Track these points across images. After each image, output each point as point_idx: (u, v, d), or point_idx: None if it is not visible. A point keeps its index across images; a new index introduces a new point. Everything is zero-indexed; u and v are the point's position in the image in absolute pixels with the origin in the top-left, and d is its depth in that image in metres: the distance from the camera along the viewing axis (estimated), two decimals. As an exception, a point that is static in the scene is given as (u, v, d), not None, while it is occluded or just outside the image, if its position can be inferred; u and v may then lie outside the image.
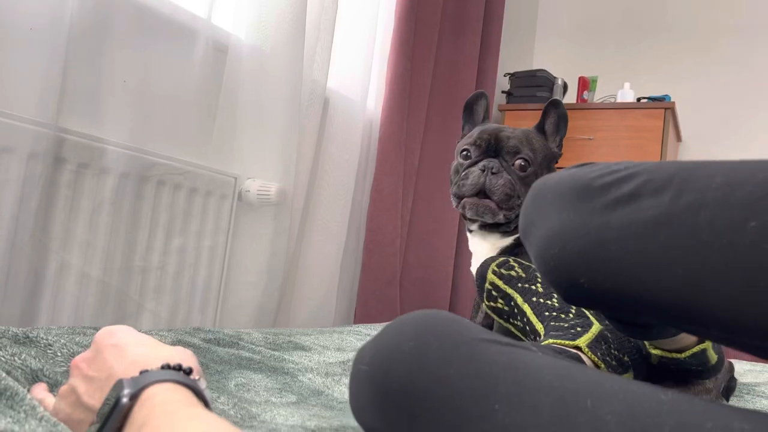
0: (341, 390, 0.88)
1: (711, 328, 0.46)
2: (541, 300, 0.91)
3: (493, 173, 1.12)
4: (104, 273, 1.18)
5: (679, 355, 0.79)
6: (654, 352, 0.81)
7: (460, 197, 1.16)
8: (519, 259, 1.01)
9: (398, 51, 2.06)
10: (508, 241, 1.18)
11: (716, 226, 0.43)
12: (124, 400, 0.41)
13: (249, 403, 0.72)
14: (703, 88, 3.15)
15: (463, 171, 1.16)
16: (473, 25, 2.48)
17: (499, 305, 0.96)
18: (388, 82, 2.07)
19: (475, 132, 1.19)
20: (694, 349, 0.78)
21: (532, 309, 0.91)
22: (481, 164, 1.14)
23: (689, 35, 3.24)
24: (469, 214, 1.16)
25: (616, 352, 0.82)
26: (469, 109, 1.28)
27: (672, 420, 0.37)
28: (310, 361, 1.01)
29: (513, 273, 0.97)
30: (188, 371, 0.46)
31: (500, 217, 1.13)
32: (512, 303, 0.94)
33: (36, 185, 1.04)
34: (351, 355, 1.07)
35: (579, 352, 0.79)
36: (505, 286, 0.96)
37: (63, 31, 1.07)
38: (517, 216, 1.11)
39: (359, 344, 1.24)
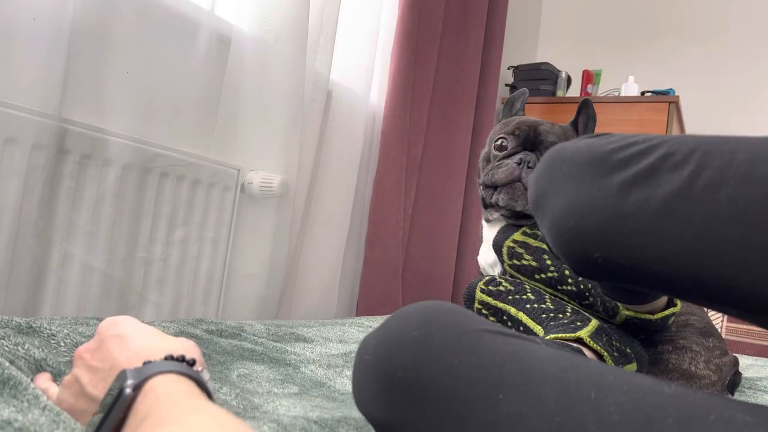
0: (343, 381, 0.89)
1: (728, 304, 0.46)
2: (535, 305, 0.92)
3: (529, 167, 1.06)
4: (107, 264, 1.18)
5: (651, 317, 0.82)
6: (626, 313, 0.84)
7: (490, 186, 1.10)
8: (505, 277, 1.01)
9: (401, 44, 2.05)
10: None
11: (737, 203, 0.43)
12: (128, 390, 0.41)
13: (251, 394, 0.73)
14: (707, 82, 3.14)
15: (497, 161, 1.10)
16: (477, 18, 2.47)
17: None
18: (392, 75, 2.06)
19: (513, 122, 1.13)
20: (666, 312, 0.82)
21: (527, 315, 0.91)
22: (517, 157, 1.08)
23: (694, 29, 3.22)
24: (502, 202, 1.08)
25: (617, 344, 0.82)
26: (510, 105, 1.25)
27: (675, 412, 0.37)
28: (312, 353, 1.01)
29: (501, 288, 0.97)
30: (191, 362, 0.46)
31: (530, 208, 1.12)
32: (504, 317, 0.94)
33: (39, 176, 1.04)
34: (353, 347, 1.07)
35: (581, 346, 0.80)
36: (495, 302, 0.96)
37: (66, 22, 1.07)
38: None
39: (361, 336, 1.24)
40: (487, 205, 1.16)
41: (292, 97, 1.54)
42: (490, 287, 0.98)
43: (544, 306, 0.91)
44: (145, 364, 0.44)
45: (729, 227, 0.43)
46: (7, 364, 0.54)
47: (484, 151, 1.17)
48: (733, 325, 2.31)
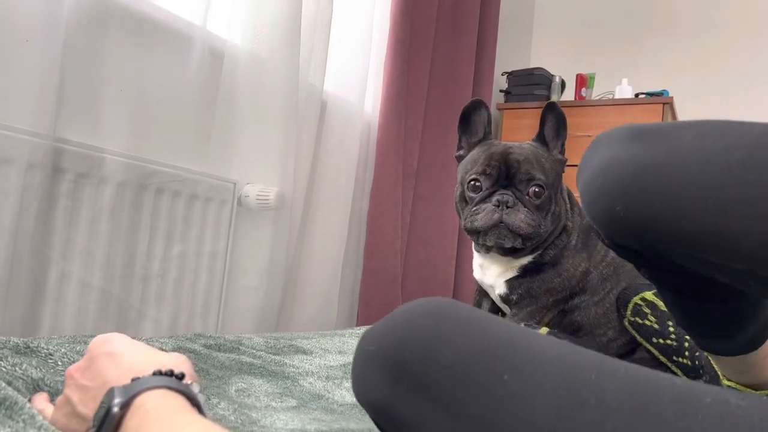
0: (342, 393, 0.89)
1: (737, 261, 0.49)
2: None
3: (508, 207, 1.05)
4: (105, 281, 1.19)
5: (754, 392, 0.75)
6: (728, 383, 0.78)
7: (474, 233, 1.09)
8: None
9: (394, 52, 2.06)
10: (527, 260, 1.12)
11: (747, 165, 0.48)
12: (115, 409, 0.41)
13: (249, 409, 0.73)
14: (701, 83, 3.15)
15: (474, 206, 1.08)
16: (469, 24, 2.48)
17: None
18: (385, 84, 2.07)
19: (482, 156, 1.09)
20: None
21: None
22: (494, 199, 1.06)
23: (687, 30, 3.24)
24: (490, 242, 1.08)
25: None
26: (466, 119, 1.17)
27: (672, 393, 0.39)
28: (310, 365, 1.01)
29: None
30: (180, 376, 0.46)
31: (518, 243, 1.07)
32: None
33: (35, 195, 1.04)
34: (352, 358, 1.07)
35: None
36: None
37: (58, 41, 1.08)
38: (537, 243, 1.09)
39: (361, 347, 1.24)
40: (475, 241, 1.14)
41: (286, 109, 1.54)
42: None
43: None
44: (133, 380, 0.45)
45: (738, 186, 0.48)
46: (3, 384, 0.55)
47: (458, 191, 1.14)
48: None
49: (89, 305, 1.16)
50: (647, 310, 0.98)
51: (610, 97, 2.94)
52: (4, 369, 0.65)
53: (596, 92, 3.09)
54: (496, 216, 1.05)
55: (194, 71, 1.41)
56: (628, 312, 1.00)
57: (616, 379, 0.41)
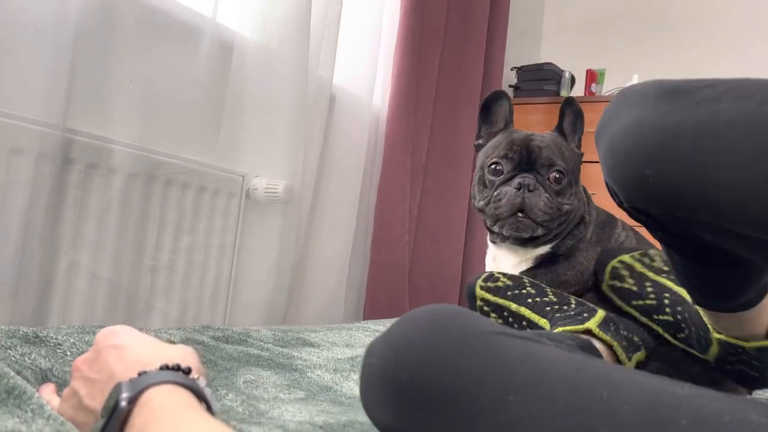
0: (350, 386, 0.89)
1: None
2: (537, 299, 0.90)
3: (530, 191, 1.04)
4: (114, 272, 1.19)
5: (744, 343, 0.75)
6: (718, 336, 0.78)
7: (496, 219, 1.08)
8: (503, 272, 0.99)
9: (404, 46, 2.06)
10: (545, 249, 1.11)
11: None
12: (123, 403, 0.41)
13: (257, 400, 0.73)
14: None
15: (495, 190, 1.07)
16: (479, 19, 2.47)
17: (493, 319, 0.95)
18: (394, 78, 2.06)
19: (503, 142, 1.09)
20: (763, 342, 0.74)
21: (530, 309, 0.90)
22: (516, 181, 1.05)
23: (698, 27, 3.21)
24: (507, 232, 1.08)
25: (625, 333, 0.81)
26: (487, 109, 1.18)
27: (689, 413, 0.37)
28: (318, 358, 1.01)
29: (500, 284, 0.96)
30: (187, 371, 0.46)
31: (539, 232, 1.07)
32: (505, 313, 0.93)
33: (45, 186, 1.05)
34: (360, 351, 1.07)
35: (590, 337, 0.79)
36: (495, 298, 0.95)
37: (68, 33, 1.08)
38: (553, 228, 1.09)
39: (368, 340, 1.24)
40: (491, 231, 1.14)
41: (295, 102, 1.54)
42: (488, 283, 0.97)
43: (546, 299, 0.89)
44: (140, 374, 0.44)
45: None
46: (12, 373, 0.55)
47: (477, 176, 1.14)
48: None
49: (98, 296, 1.16)
50: (625, 272, 0.97)
51: (621, 92, 2.92)
52: (13, 358, 0.65)
53: (606, 88, 3.06)
54: (518, 200, 1.04)
55: (204, 63, 1.41)
56: (606, 275, 0.99)
57: (630, 397, 0.39)
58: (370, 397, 0.52)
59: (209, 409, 0.45)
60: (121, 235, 1.20)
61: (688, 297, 0.85)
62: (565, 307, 0.86)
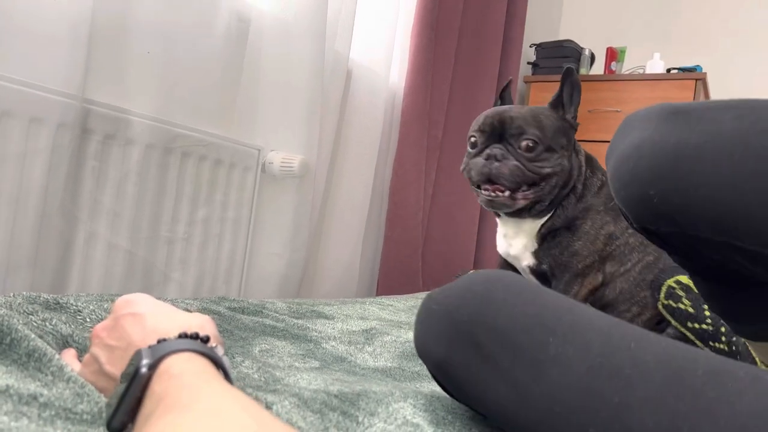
0: (364, 357, 0.89)
1: None
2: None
3: (497, 160, 1.09)
4: (131, 243, 1.20)
5: None
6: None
7: (476, 186, 1.15)
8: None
9: (422, 21, 2.03)
10: (542, 221, 1.14)
11: None
12: (143, 370, 0.42)
13: (273, 368, 0.74)
14: (735, 59, 3.06)
15: (471, 160, 1.14)
16: (498, -5, 2.43)
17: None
18: (412, 53, 2.04)
19: (481, 117, 1.16)
20: None
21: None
22: (485, 152, 1.11)
23: (721, 3, 3.13)
24: (484, 206, 1.14)
25: None
26: (502, 98, 1.28)
27: (706, 366, 0.41)
28: (333, 330, 1.02)
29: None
30: (205, 339, 0.47)
31: (520, 204, 1.11)
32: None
33: (64, 155, 1.06)
34: (374, 324, 1.08)
35: None
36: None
37: (88, 3, 1.08)
38: (541, 198, 1.10)
39: (382, 314, 1.24)
40: None
41: (312, 76, 1.53)
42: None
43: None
44: (159, 342, 0.45)
45: None
46: (33, 336, 0.56)
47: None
48: None
49: (115, 266, 1.18)
50: (681, 293, 0.97)
51: (641, 71, 2.87)
52: (34, 323, 0.66)
53: (627, 66, 3.01)
54: (485, 170, 1.10)
55: (221, 36, 1.40)
56: (662, 295, 0.99)
57: (653, 350, 0.43)
58: (426, 335, 0.57)
59: (227, 377, 0.46)
60: (138, 205, 1.21)
61: None
62: None
